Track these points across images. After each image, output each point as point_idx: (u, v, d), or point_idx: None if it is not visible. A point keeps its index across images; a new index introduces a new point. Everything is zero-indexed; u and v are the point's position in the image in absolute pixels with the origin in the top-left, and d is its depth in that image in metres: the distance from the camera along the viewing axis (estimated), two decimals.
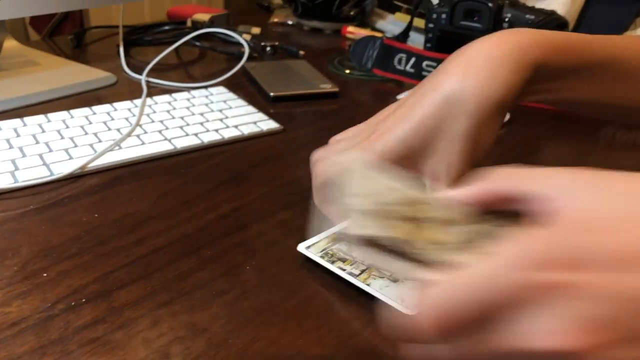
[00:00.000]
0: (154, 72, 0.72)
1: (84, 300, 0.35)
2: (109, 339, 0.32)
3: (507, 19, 0.68)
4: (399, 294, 0.35)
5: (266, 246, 0.41)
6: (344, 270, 0.37)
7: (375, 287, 0.35)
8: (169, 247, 0.40)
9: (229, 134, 0.56)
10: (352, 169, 0.26)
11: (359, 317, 0.34)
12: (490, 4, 0.69)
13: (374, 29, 0.98)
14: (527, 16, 0.68)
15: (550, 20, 0.67)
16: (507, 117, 0.64)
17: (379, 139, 0.31)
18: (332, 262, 0.38)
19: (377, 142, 0.31)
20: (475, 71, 0.30)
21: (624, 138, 0.58)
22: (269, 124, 0.59)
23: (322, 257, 0.38)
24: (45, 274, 0.37)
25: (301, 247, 0.39)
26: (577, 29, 0.82)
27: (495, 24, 0.69)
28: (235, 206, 0.45)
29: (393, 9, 0.99)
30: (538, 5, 0.73)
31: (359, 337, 0.33)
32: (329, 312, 0.35)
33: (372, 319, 0.34)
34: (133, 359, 0.31)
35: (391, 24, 0.97)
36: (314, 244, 0.40)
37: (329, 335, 0.33)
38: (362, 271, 0.37)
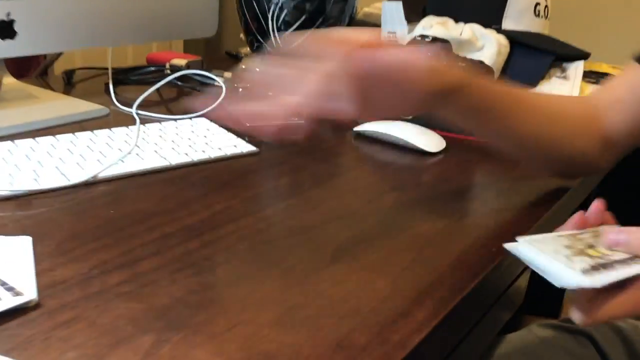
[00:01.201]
0: (140, 107, 0.82)
1: (113, 268, 0.44)
2: (138, 292, 0.41)
3: None
4: None
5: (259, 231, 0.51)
6: None
7: None
8: (176, 234, 0.50)
9: (214, 154, 0.66)
10: None
11: None
12: None
13: None
14: (459, 65, 0.82)
15: (478, 69, 0.82)
16: (444, 144, 0.76)
17: None
18: None
19: None
20: None
21: None
22: (247, 147, 0.69)
23: None
24: (77, 250, 0.46)
25: None
26: (501, 76, 0.97)
27: None
28: (224, 207, 0.55)
29: None
30: (469, 57, 0.88)
31: None
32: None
33: None
34: (158, 303, 0.40)
35: None
36: None
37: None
38: None
